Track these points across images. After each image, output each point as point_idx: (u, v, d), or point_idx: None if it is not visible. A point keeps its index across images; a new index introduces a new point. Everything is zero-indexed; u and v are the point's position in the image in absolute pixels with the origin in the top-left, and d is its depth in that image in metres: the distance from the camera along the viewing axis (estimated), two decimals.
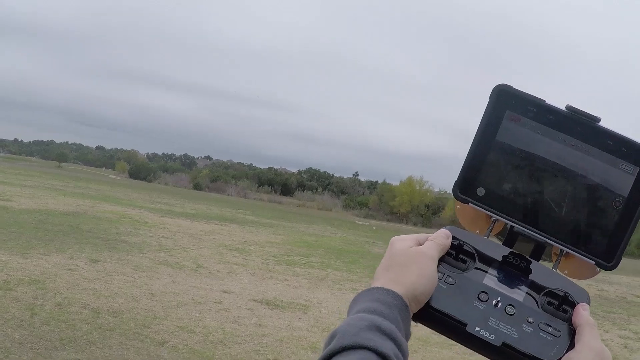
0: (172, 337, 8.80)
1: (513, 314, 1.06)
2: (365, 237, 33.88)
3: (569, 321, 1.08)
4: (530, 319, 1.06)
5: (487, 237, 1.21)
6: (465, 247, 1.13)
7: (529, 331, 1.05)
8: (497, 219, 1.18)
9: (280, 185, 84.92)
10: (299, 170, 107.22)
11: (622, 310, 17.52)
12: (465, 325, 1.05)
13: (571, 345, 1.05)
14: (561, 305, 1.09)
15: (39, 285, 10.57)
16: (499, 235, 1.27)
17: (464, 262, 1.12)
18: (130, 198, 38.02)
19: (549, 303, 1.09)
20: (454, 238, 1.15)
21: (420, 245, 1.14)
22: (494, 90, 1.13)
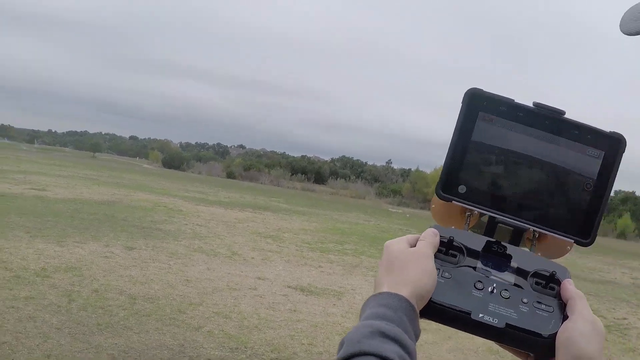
0: (208, 323, 8.84)
1: (509, 298, 1.14)
2: (399, 225, 33.85)
3: (558, 297, 1.17)
4: (525, 300, 1.15)
5: (467, 231, 1.28)
6: (454, 243, 1.19)
7: (525, 311, 1.13)
8: (480, 213, 1.26)
9: (314, 173, 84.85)
10: (332, 159, 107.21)
11: None
12: (470, 313, 1.10)
13: (564, 318, 1.13)
14: (548, 283, 1.18)
15: (75, 273, 10.67)
16: (474, 228, 1.36)
17: (455, 256, 1.19)
18: (163, 187, 38.26)
19: (537, 283, 1.18)
20: (441, 235, 1.20)
21: (413, 246, 1.19)
22: (466, 94, 1.20)
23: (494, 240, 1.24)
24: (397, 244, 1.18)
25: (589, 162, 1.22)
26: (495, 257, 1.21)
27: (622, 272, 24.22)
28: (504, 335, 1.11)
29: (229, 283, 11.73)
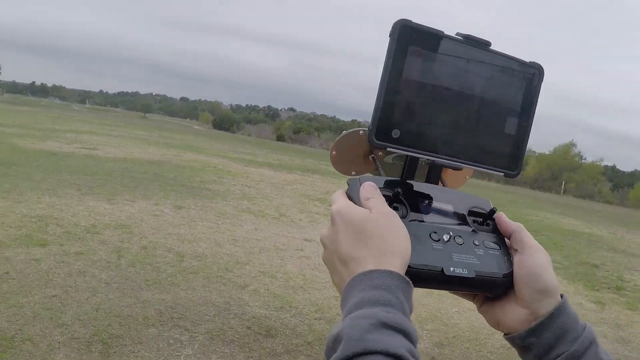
0: (254, 282, 8.93)
1: (463, 244, 1.10)
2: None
3: (497, 232, 1.17)
4: (476, 242, 1.11)
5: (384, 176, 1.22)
6: (400, 196, 1.11)
7: (481, 254, 1.10)
8: (417, 156, 1.17)
9: None
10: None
11: None
12: (442, 269, 1.04)
13: (511, 251, 1.13)
14: (486, 220, 1.18)
15: (125, 230, 10.82)
16: (375, 171, 1.32)
17: (397, 209, 1.10)
18: (213, 148, 38.52)
19: (475, 222, 1.17)
20: (382, 189, 1.11)
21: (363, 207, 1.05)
22: (394, 27, 1.08)
23: (413, 183, 1.19)
24: (353, 208, 1.03)
25: (514, 93, 1.21)
26: (430, 201, 1.16)
27: None
28: (474, 284, 1.08)
29: (275, 243, 11.82)
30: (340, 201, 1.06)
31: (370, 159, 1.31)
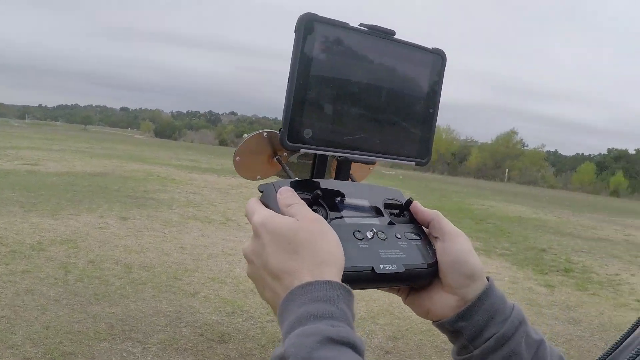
0: (204, 288, 8.92)
1: (386, 239, 1.08)
2: (391, 186, 33.91)
3: (415, 222, 1.16)
4: (398, 235, 1.10)
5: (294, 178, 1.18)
6: (319, 199, 1.06)
7: (405, 246, 1.09)
8: (331, 155, 1.14)
9: None
10: None
11: None
12: (373, 269, 1.01)
13: (431, 239, 1.13)
14: (402, 211, 1.17)
15: (71, 245, 10.73)
16: (280, 172, 1.30)
17: (317, 211, 1.04)
18: (156, 156, 38.30)
19: (392, 214, 1.15)
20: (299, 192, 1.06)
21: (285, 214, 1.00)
22: (299, 21, 1.03)
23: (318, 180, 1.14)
24: (278, 218, 0.97)
25: (419, 81, 1.19)
26: (345, 198, 1.12)
27: (615, 229, 24.40)
28: (404, 278, 1.07)
29: (223, 249, 11.81)
30: (260, 211, 1.00)
31: (276, 160, 1.28)
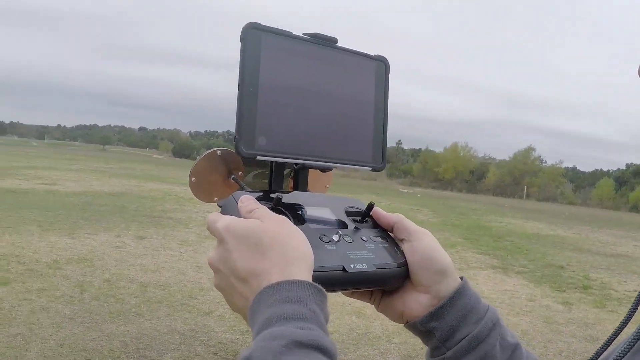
0: (219, 307, 8.90)
1: (352, 242, 1.08)
2: (410, 205, 33.88)
3: (378, 226, 1.17)
4: (364, 238, 1.10)
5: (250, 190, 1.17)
6: (280, 205, 1.05)
7: (373, 247, 1.09)
8: (287, 162, 1.13)
9: None
10: None
11: None
12: (343, 268, 1.01)
13: (398, 242, 1.14)
14: (364, 217, 1.18)
15: (87, 263, 10.77)
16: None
17: None
18: (174, 176, 38.38)
19: (355, 221, 1.16)
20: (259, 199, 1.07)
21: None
22: (244, 30, 1.05)
23: (287, 191, 1.18)
24: (243, 221, 0.95)
25: (365, 88, 1.20)
26: (306, 207, 1.12)
27: (634, 245, 24.23)
28: (375, 278, 1.06)
29: None
30: (224, 218, 0.98)
31: (232, 180, 1.28)
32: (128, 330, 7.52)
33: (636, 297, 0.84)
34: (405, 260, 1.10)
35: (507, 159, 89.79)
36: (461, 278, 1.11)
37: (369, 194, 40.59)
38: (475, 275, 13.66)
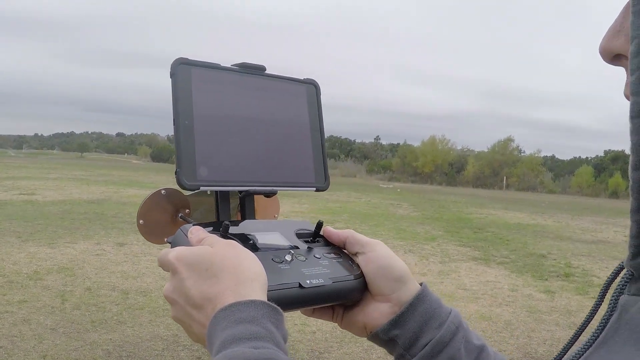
0: None
1: (306, 260, 1.09)
2: (390, 200, 33.98)
3: (330, 244, 1.18)
4: (317, 256, 1.11)
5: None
6: (228, 232, 1.05)
7: (327, 263, 1.10)
8: (231, 190, 1.16)
9: None
10: None
11: None
12: (299, 284, 1.01)
13: (352, 256, 1.15)
14: (315, 237, 1.20)
15: (67, 273, 10.73)
16: (182, 216, 1.33)
17: None
18: (153, 181, 38.37)
19: (306, 241, 1.17)
20: (207, 227, 1.08)
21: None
22: (173, 66, 1.08)
23: (238, 220, 1.18)
24: (194, 249, 0.95)
25: (299, 111, 1.24)
26: (257, 233, 1.11)
27: (615, 231, 24.39)
28: (333, 293, 1.06)
29: None
30: (174, 249, 0.97)
31: (180, 218, 1.30)
32: (110, 339, 7.49)
33: (600, 291, 0.85)
34: (362, 272, 1.11)
35: (486, 150, 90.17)
36: (420, 284, 1.11)
37: (348, 190, 40.61)
38: (457, 267, 13.72)
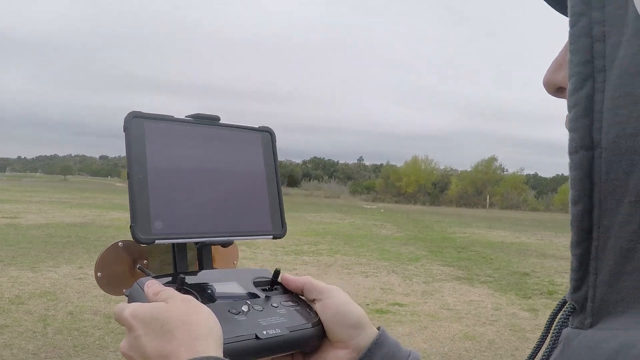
0: None
1: (262, 309, 1.09)
2: (374, 221, 33.96)
3: (288, 292, 1.19)
4: (274, 304, 1.12)
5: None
6: (185, 286, 1.05)
7: (285, 312, 1.11)
8: (186, 242, 1.16)
9: (286, 176, 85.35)
10: (303, 161, 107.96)
11: None
12: (255, 335, 1.01)
13: (310, 303, 1.15)
14: (273, 285, 1.20)
15: (50, 297, 10.68)
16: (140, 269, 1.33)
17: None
18: None
19: (264, 290, 1.17)
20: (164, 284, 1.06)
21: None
22: (126, 120, 1.08)
23: (195, 271, 1.18)
24: (148, 306, 0.95)
25: (255, 159, 1.25)
26: (214, 283, 1.12)
27: None
28: (290, 342, 1.06)
29: None
30: (130, 306, 0.97)
31: (138, 270, 1.30)
32: None
33: (545, 325, 0.86)
34: (319, 319, 1.11)
35: (469, 169, 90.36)
36: (378, 328, 1.11)
37: (333, 212, 40.64)
38: (441, 287, 13.73)
